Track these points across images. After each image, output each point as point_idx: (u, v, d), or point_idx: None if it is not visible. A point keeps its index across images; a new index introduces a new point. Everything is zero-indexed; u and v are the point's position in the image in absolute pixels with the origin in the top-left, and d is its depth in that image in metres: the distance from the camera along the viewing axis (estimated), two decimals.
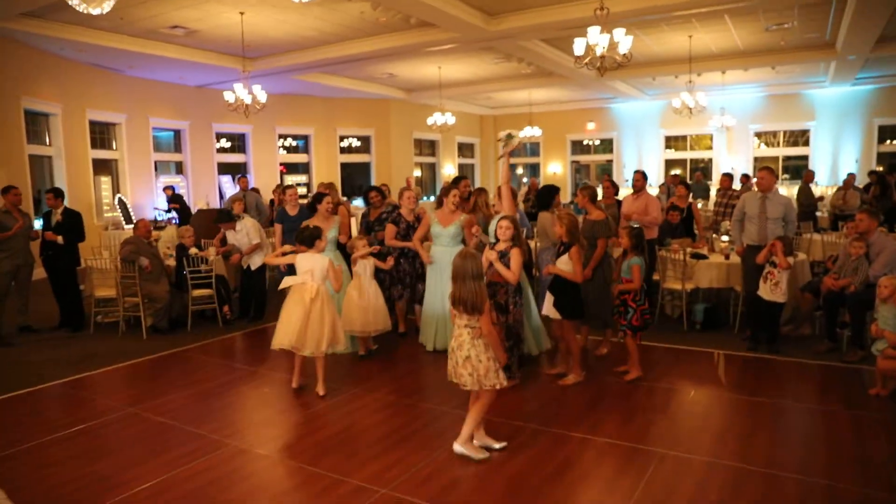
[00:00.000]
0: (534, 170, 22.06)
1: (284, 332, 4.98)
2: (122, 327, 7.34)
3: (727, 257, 7.04)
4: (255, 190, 12.22)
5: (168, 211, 13.33)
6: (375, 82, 15.78)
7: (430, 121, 15.84)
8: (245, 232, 7.45)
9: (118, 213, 12.44)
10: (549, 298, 5.22)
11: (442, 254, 6.03)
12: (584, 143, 20.95)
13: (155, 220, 13.28)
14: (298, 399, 5.14)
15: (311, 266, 5.07)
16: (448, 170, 20.57)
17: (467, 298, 3.68)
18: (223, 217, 7.59)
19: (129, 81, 13.00)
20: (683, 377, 5.47)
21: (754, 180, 7.67)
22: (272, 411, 4.93)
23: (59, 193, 7.48)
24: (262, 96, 10.86)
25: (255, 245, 7.49)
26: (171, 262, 7.65)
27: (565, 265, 5.08)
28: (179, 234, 7.70)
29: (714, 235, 7.92)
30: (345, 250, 6.54)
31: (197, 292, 7.43)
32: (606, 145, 20.51)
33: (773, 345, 6.02)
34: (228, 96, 10.59)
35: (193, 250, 7.60)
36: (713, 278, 6.97)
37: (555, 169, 21.06)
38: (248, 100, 10.67)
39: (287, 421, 4.69)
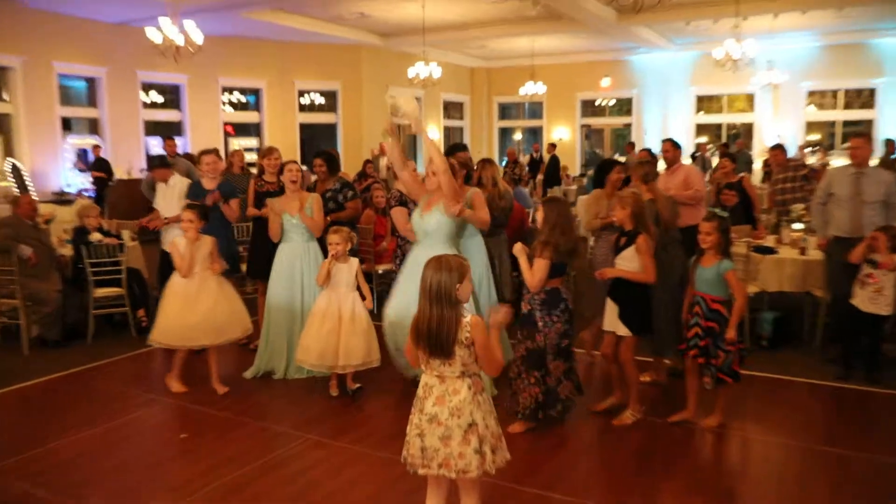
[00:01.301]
0: (535, 134, 21.41)
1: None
2: None
3: (803, 252, 6.30)
4: (188, 156, 11.23)
5: (89, 180, 12.15)
6: (344, 24, 14.93)
7: (411, 72, 15.09)
8: (176, 192, 6.47)
9: (11, 183, 11.40)
10: (610, 309, 4.56)
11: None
12: (597, 102, 20.35)
13: (62, 192, 12.27)
14: (232, 448, 4.27)
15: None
16: (431, 134, 19.66)
17: (431, 331, 2.73)
18: (156, 161, 6.98)
19: (28, 14, 11.86)
20: (757, 418, 4.74)
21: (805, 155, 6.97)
22: (193, 470, 4.06)
23: None
24: (197, 36, 9.94)
25: (176, 217, 6.53)
26: (67, 252, 6.74)
27: (629, 262, 4.46)
28: (80, 213, 6.79)
29: (783, 222, 7.15)
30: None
31: (101, 291, 6.59)
32: (623, 106, 19.91)
33: (873, 372, 5.29)
34: (153, 34, 9.63)
35: (97, 235, 6.66)
36: (784, 279, 6.24)
37: (561, 134, 20.38)
38: (179, 40, 9.71)
39: (215, 487, 3.82)
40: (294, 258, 5.43)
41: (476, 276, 4.88)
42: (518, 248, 4.28)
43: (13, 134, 12.05)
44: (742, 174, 9.25)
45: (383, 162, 13.92)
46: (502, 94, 21.00)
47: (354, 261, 5.01)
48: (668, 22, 14.25)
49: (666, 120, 18.81)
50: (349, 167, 15.32)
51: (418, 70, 14.99)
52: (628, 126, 19.70)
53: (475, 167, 5.92)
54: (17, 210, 6.45)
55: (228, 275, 5.52)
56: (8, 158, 11.62)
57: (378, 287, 7.54)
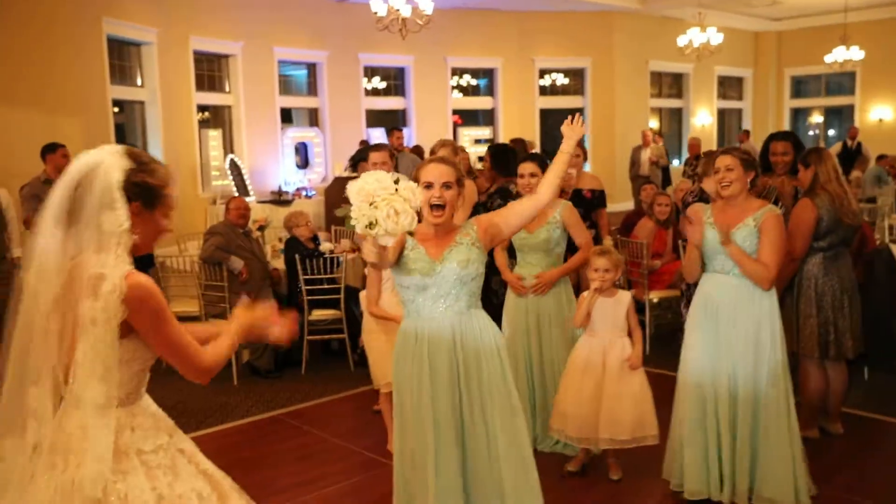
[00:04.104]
0: (841, 116, 19.58)
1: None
2: None
3: None
4: (416, 149, 11.23)
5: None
6: None
7: (681, 41, 14.57)
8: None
9: (229, 181, 12.09)
10: None
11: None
12: None
13: (279, 192, 12.78)
14: None
15: None
16: (702, 118, 18.91)
17: None
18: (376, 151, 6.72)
19: None
20: None
21: None
22: None
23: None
24: (426, 5, 9.98)
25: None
26: (281, 265, 6.78)
27: None
28: (288, 222, 6.81)
29: None
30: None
31: (318, 313, 6.49)
32: None
33: None
34: (377, 6, 9.94)
35: (327, 246, 6.65)
36: None
37: (881, 114, 18.29)
38: (405, 11, 9.86)
39: None
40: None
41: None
42: None
43: (233, 128, 12.84)
44: None
45: (645, 155, 12.98)
46: (797, 64, 19.36)
47: (625, 294, 4.29)
48: None
49: None
50: (597, 160, 14.61)
51: (691, 37, 14.36)
52: None
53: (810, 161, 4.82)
54: (227, 215, 6.54)
55: None
56: (228, 155, 12.35)
57: (652, 321, 6.73)
